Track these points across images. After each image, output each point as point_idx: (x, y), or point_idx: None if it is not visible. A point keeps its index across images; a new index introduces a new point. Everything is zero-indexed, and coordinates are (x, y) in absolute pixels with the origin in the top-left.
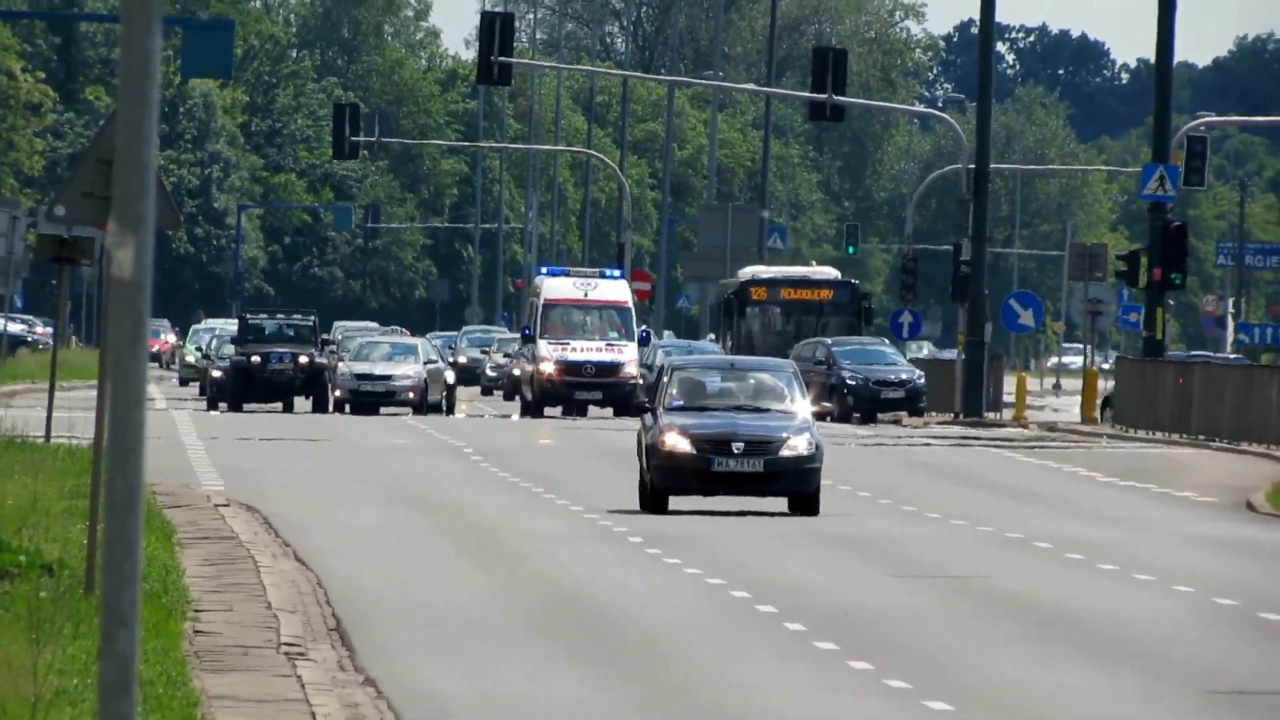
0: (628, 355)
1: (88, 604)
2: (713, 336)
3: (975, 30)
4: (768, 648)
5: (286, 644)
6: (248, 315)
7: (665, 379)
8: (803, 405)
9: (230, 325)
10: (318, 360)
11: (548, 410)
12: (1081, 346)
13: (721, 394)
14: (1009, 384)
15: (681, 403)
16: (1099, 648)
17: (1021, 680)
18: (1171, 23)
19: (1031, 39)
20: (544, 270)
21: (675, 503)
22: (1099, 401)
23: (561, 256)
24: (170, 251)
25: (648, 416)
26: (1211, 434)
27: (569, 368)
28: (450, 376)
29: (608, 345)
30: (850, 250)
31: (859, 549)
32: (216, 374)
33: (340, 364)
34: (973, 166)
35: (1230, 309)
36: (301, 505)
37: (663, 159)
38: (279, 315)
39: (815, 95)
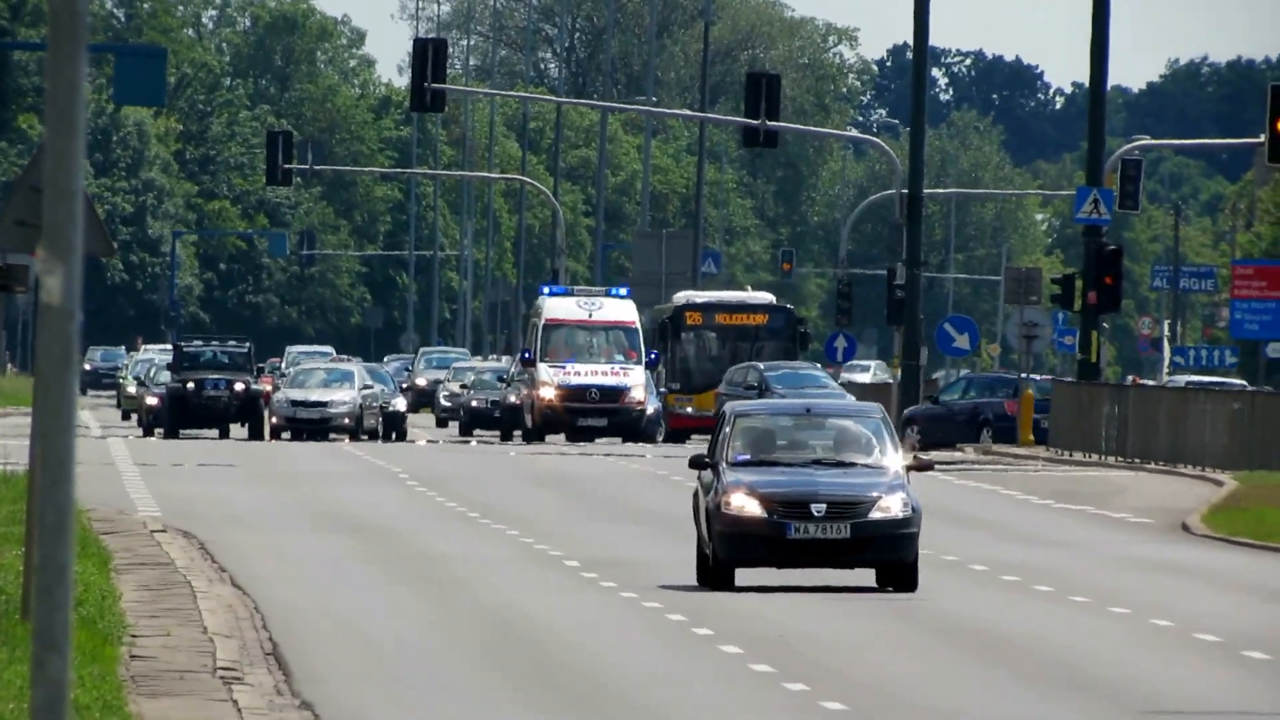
0: (635, 379)
1: (24, 629)
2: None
3: (909, 55)
4: (704, 671)
5: (223, 668)
6: (182, 343)
7: (727, 428)
8: (895, 458)
9: (166, 353)
10: (253, 387)
11: (549, 438)
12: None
13: (796, 446)
14: None
15: (748, 457)
16: (1035, 671)
17: (960, 707)
18: (1105, 46)
19: (966, 63)
20: (546, 290)
21: (742, 576)
22: (900, 420)
23: (497, 283)
24: (105, 279)
25: (707, 474)
26: (1147, 456)
27: (571, 393)
28: (401, 403)
29: (613, 368)
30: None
31: (793, 572)
32: (152, 401)
33: (277, 391)
34: (906, 191)
35: (1166, 332)
36: (238, 531)
37: (596, 185)
38: (214, 342)
39: (749, 121)
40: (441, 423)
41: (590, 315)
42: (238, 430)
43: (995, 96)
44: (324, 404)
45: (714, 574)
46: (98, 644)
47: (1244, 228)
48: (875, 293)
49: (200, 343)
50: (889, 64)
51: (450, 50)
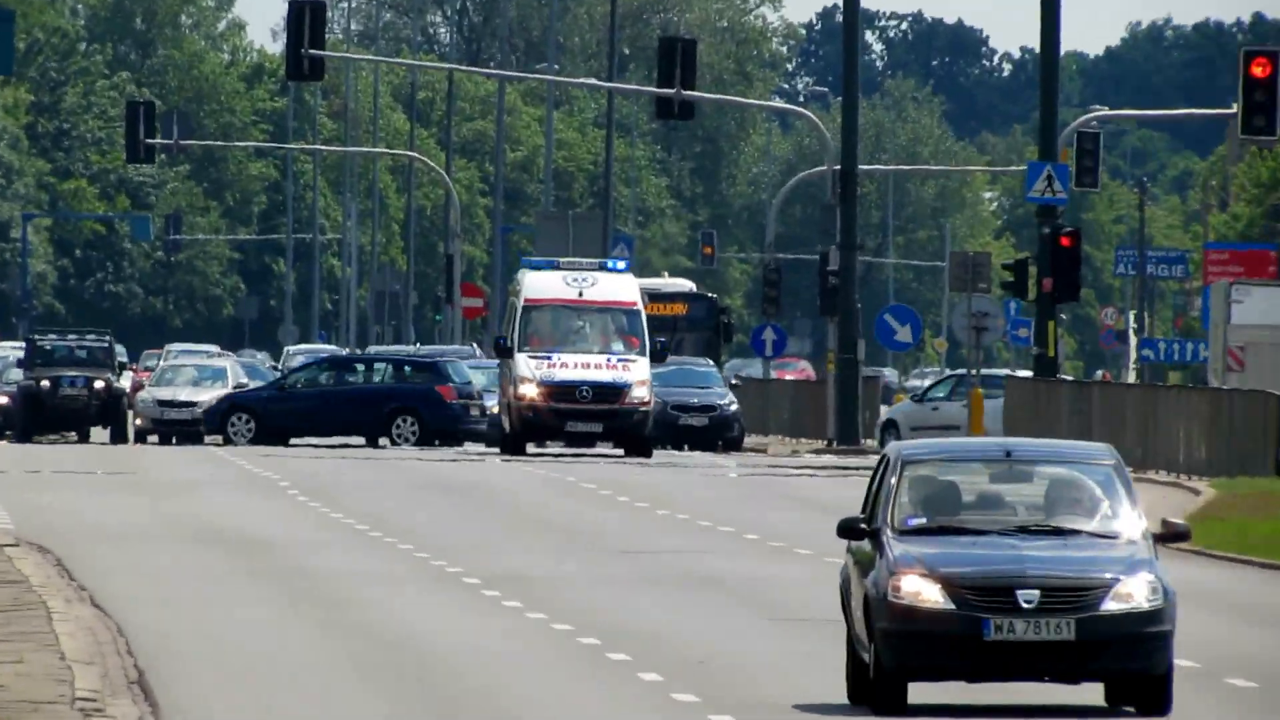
0: (636, 373)
1: None
2: None
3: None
4: (620, 701)
5: (82, 699)
6: (36, 336)
7: (893, 479)
8: (1135, 522)
9: (16, 348)
10: (115, 386)
11: (531, 447)
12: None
13: (992, 505)
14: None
15: (924, 521)
16: (992, 701)
17: None
18: (1057, 7)
19: (903, 27)
20: (526, 262)
21: (920, 691)
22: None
23: (384, 269)
24: None
25: (863, 545)
26: None
27: (558, 390)
28: None
29: (610, 360)
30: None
31: (720, 589)
32: (1, 401)
33: (141, 390)
34: (839, 168)
35: (1132, 323)
36: (100, 545)
37: (494, 162)
38: (71, 336)
39: (662, 90)
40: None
41: (581, 294)
42: (99, 433)
43: (935, 63)
44: (194, 404)
45: (877, 688)
46: None
47: (1217, 207)
48: (806, 280)
49: (55, 337)
50: (817, 27)
51: (330, 13)
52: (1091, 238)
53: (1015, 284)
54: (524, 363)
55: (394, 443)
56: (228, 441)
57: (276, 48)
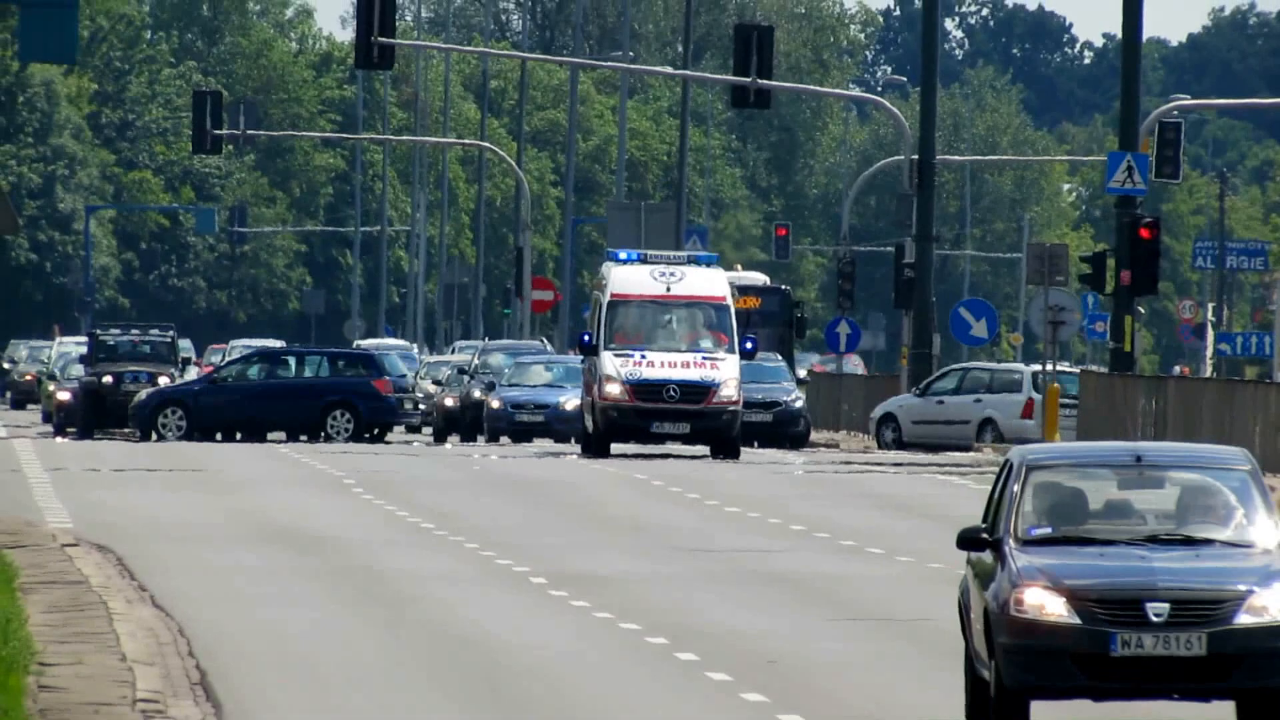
0: (725, 372)
1: None
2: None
3: (918, 4)
4: (689, 701)
5: (144, 700)
6: (99, 331)
7: (1016, 486)
8: (1271, 531)
9: (80, 343)
10: (179, 381)
11: (616, 447)
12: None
13: (1121, 513)
14: None
15: (1049, 530)
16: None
17: None
18: None
19: (983, 14)
20: (615, 255)
21: (1042, 711)
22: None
23: (452, 262)
24: (9, 260)
25: (983, 556)
26: None
27: (644, 389)
28: None
29: (698, 358)
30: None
31: (790, 588)
32: (63, 397)
33: None
34: (916, 158)
35: (1210, 317)
36: (160, 544)
37: (566, 152)
38: (134, 331)
39: (738, 79)
40: (413, 429)
41: (669, 289)
42: None
43: (1016, 51)
44: None
45: (997, 707)
46: (1, 674)
47: None
48: (881, 273)
49: (118, 332)
50: (896, 14)
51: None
52: (1170, 229)
53: (1093, 277)
54: (609, 360)
55: (329, 437)
56: (158, 437)
57: (345, 35)
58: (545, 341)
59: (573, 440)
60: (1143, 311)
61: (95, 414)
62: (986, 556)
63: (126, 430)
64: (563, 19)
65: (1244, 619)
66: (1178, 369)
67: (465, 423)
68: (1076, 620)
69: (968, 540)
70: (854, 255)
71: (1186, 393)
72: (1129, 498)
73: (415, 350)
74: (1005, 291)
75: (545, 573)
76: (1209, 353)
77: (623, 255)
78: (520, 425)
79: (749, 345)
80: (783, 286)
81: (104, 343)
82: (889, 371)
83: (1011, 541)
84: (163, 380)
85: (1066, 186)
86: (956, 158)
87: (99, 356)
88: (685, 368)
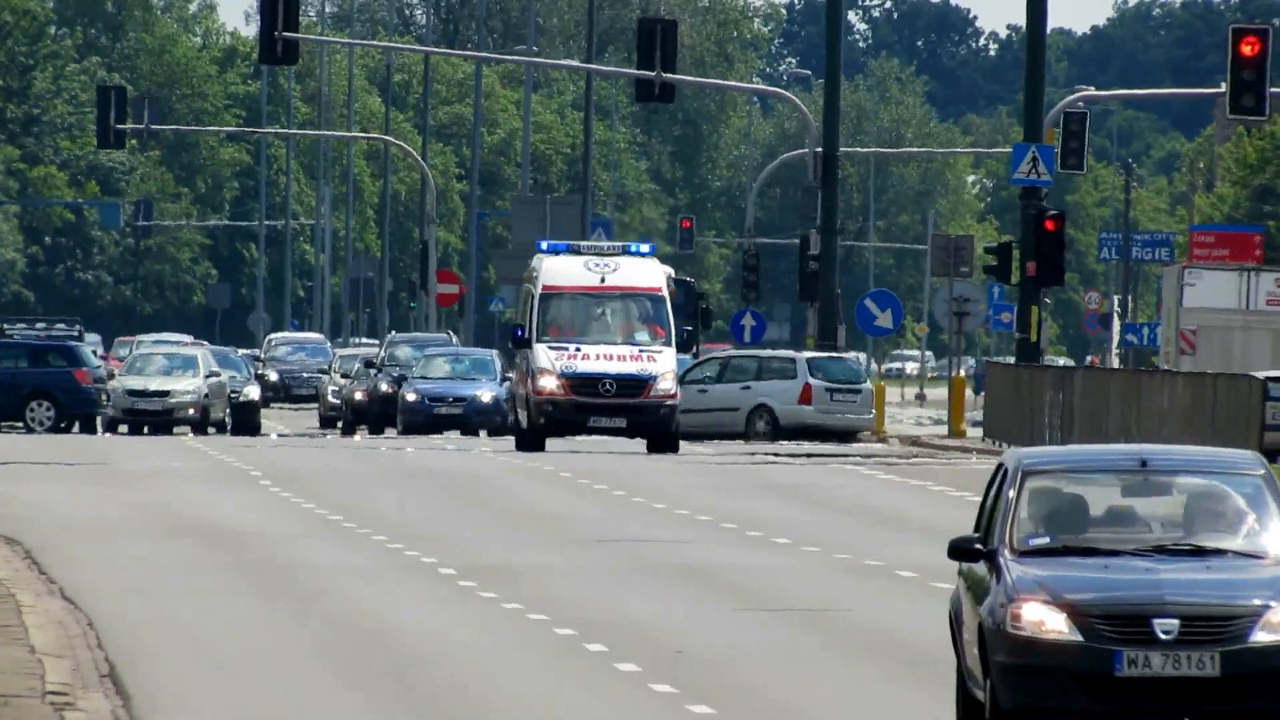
0: (662, 365)
1: None
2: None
3: None
4: (597, 693)
5: (53, 693)
6: (4, 325)
7: (1011, 492)
8: None
9: None
10: None
11: (551, 443)
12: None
13: (1124, 521)
14: None
15: (1047, 540)
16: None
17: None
18: None
19: (886, 6)
20: (543, 246)
21: None
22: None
23: (358, 256)
24: None
25: (976, 567)
26: None
27: (579, 383)
28: (254, 392)
29: (635, 351)
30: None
31: (697, 579)
32: None
33: (112, 379)
34: (820, 150)
35: (1116, 308)
36: (69, 538)
37: (471, 145)
38: (39, 325)
39: (642, 72)
40: (328, 422)
41: (603, 280)
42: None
43: (919, 43)
44: (165, 393)
45: None
46: None
47: (1203, 189)
48: (786, 265)
49: (24, 325)
50: (799, 6)
51: None
52: (1076, 221)
53: (998, 268)
54: (543, 354)
55: (29, 428)
56: None
57: (250, 30)
58: (452, 335)
59: (483, 434)
60: (1048, 302)
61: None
62: (979, 568)
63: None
64: (467, 13)
65: (1260, 636)
66: (1089, 359)
67: (372, 416)
68: (1078, 637)
69: (960, 550)
70: (758, 248)
71: (1093, 383)
72: (1133, 505)
73: (328, 344)
74: (910, 283)
75: (454, 565)
76: (1115, 343)
77: (554, 245)
78: (437, 418)
79: (685, 337)
80: (688, 279)
81: (9, 336)
82: None
83: (1007, 552)
84: None
85: (971, 178)
86: (861, 150)
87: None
88: (621, 360)
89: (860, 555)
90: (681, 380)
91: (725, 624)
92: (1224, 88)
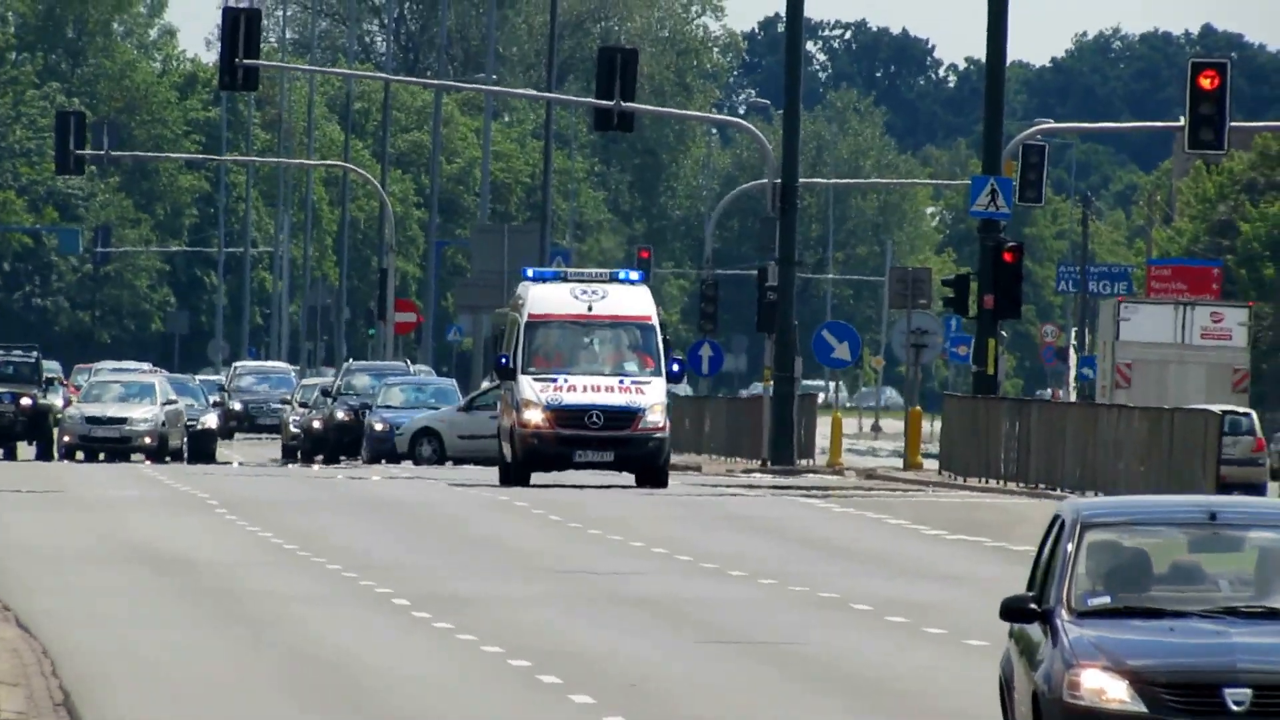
0: (651, 396)
1: None
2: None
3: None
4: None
5: None
6: None
7: (1069, 546)
8: None
9: None
10: (41, 402)
11: (536, 477)
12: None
13: (1191, 579)
14: (823, 425)
15: (1107, 600)
16: None
17: None
18: (1004, 18)
19: (846, 36)
20: (529, 273)
21: None
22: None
23: (316, 284)
24: None
25: (1030, 629)
26: (1052, 482)
27: (565, 415)
28: (212, 420)
29: (623, 382)
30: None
31: (652, 611)
32: None
33: (69, 406)
34: (779, 181)
35: (1073, 341)
36: (24, 564)
37: (429, 173)
38: None
39: (601, 101)
40: (289, 452)
41: (591, 308)
42: (25, 450)
43: (879, 74)
44: (122, 420)
45: None
46: None
47: (1161, 223)
48: (744, 296)
49: None
50: (759, 36)
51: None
52: (1034, 253)
53: (956, 300)
54: (528, 385)
55: None
56: None
57: (210, 57)
58: (409, 363)
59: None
60: (1005, 335)
61: None
62: (1033, 630)
63: None
64: (426, 41)
65: None
66: (1049, 392)
67: (330, 444)
68: (1141, 708)
69: (1014, 610)
70: (716, 278)
71: (1049, 416)
72: (1200, 561)
73: (293, 374)
74: (867, 315)
75: (409, 595)
76: (1071, 376)
77: (540, 272)
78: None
79: (675, 368)
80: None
81: None
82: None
83: (1064, 612)
84: (24, 400)
85: (930, 210)
86: (820, 180)
87: None
88: (609, 392)
89: (816, 587)
90: (469, 407)
91: (681, 656)
92: (1182, 121)
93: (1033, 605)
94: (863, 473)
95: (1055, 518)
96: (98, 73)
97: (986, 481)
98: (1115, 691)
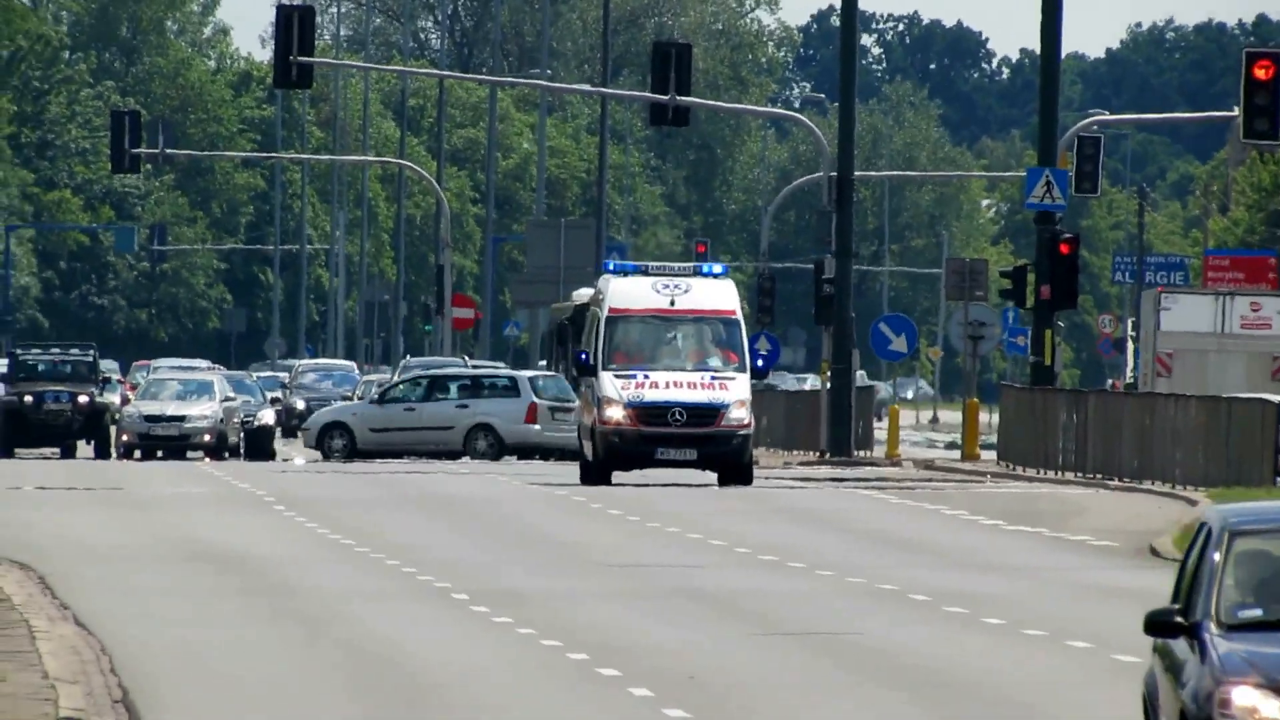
0: (735, 392)
1: None
2: (544, 363)
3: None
4: (610, 718)
5: (66, 718)
6: (19, 351)
7: (1216, 555)
8: None
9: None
10: (99, 400)
11: (617, 476)
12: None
13: None
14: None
15: (1259, 612)
16: (983, 714)
17: None
18: (1058, 9)
19: (900, 29)
20: (611, 267)
21: None
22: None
23: (373, 280)
24: None
25: (1180, 643)
26: (1110, 472)
27: (648, 413)
28: (269, 417)
29: (706, 378)
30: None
31: (711, 604)
32: None
33: (126, 404)
34: (835, 174)
35: (1130, 331)
36: (83, 563)
37: (485, 170)
38: (54, 350)
39: (656, 96)
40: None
41: (673, 303)
42: (83, 449)
43: (933, 67)
44: (180, 418)
45: None
46: None
47: (1217, 212)
48: (801, 289)
49: (39, 351)
50: (814, 30)
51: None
52: (1090, 244)
53: (1013, 291)
54: (609, 382)
55: None
56: None
57: (264, 55)
58: (466, 359)
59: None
60: (1061, 326)
61: (16, 433)
62: (1178, 647)
63: (46, 449)
64: (481, 37)
65: None
66: (1110, 383)
67: None
68: None
69: (1158, 624)
70: (773, 271)
71: (1106, 407)
72: None
73: (356, 371)
74: (924, 306)
75: (467, 589)
76: (1129, 367)
77: (622, 265)
78: None
79: (760, 363)
80: None
81: (24, 362)
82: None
83: (1212, 626)
84: (82, 399)
85: (985, 202)
86: (875, 174)
87: (19, 376)
88: (692, 388)
89: (874, 579)
90: (383, 399)
91: (739, 648)
92: (1237, 111)
93: (1178, 619)
94: (921, 464)
95: (1201, 525)
96: (152, 71)
97: (1044, 472)
98: (1269, 710)
